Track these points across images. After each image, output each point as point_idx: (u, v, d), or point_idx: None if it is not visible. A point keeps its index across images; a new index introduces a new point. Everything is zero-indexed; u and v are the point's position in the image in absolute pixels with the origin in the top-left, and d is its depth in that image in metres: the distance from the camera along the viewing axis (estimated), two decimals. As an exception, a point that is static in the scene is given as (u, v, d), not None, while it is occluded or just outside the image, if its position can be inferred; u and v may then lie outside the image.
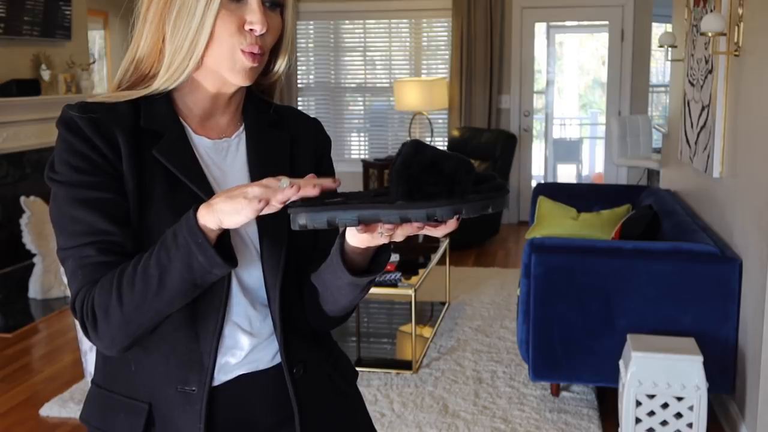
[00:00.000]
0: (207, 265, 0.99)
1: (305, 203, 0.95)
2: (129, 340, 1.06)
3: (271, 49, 1.15)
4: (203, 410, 1.11)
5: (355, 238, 1.03)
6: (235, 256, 1.04)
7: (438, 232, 0.97)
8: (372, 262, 1.10)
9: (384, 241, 1.01)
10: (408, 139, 1.00)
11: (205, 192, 1.11)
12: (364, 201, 0.95)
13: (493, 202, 0.95)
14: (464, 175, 0.95)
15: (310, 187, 0.94)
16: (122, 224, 1.07)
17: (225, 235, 1.02)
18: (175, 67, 1.10)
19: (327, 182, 0.96)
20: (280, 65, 1.19)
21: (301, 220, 0.95)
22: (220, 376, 1.14)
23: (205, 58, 1.10)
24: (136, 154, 1.09)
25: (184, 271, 0.99)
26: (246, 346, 1.15)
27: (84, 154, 1.07)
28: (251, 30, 1.08)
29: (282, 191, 0.94)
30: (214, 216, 0.98)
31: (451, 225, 0.96)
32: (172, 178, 1.10)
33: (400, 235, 0.97)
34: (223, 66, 1.10)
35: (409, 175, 0.94)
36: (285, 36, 1.15)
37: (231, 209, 0.96)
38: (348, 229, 1.03)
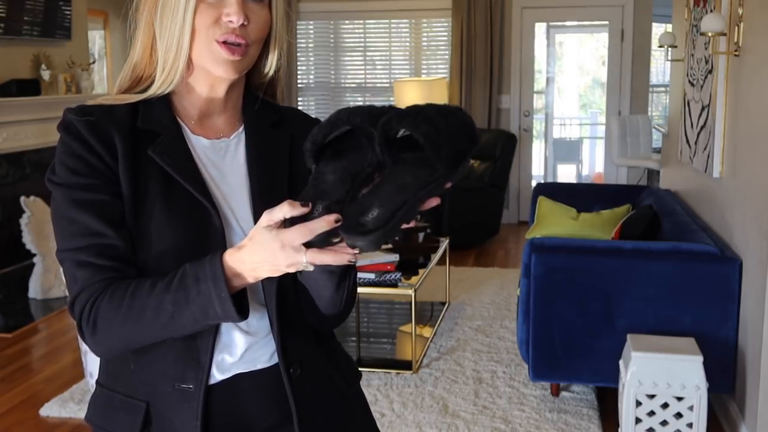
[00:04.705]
0: (222, 316, 1.02)
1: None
2: (124, 351, 1.11)
3: (263, 45, 1.15)
4: (200, 408, 1.11)
5: None
6: (248, 310, 1.06)
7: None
8: None
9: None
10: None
11: (201, 191, 1.11)
12: (379, 192, 0.95)
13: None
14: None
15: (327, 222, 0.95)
16: (117, 226, 1.08)
17: (243, 290, 1.04)
18: (169, 68, 1.11)
19: (332, 217, 0.95)
20: (272, 61, 1.19)
21: (363, 244, 0.93)
22: (217, 375, 1.14)
23: (192, 55, 1.11)
24: (133, 155, 1.10)
25: (199, 314, 1.02)
26: (242, 344, 1.15)
27: (80, 156, 1.08)
28: (229, 22, 1.08)
29: (317, 222, 0.94)
30: (250, 274, 1.00)
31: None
32: (167, 178, 1.11)
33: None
34: (205, 59, 1.11)
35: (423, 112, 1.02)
36: (273, 30, 1.15)
37: (271, 266, 0.98)
38: None
